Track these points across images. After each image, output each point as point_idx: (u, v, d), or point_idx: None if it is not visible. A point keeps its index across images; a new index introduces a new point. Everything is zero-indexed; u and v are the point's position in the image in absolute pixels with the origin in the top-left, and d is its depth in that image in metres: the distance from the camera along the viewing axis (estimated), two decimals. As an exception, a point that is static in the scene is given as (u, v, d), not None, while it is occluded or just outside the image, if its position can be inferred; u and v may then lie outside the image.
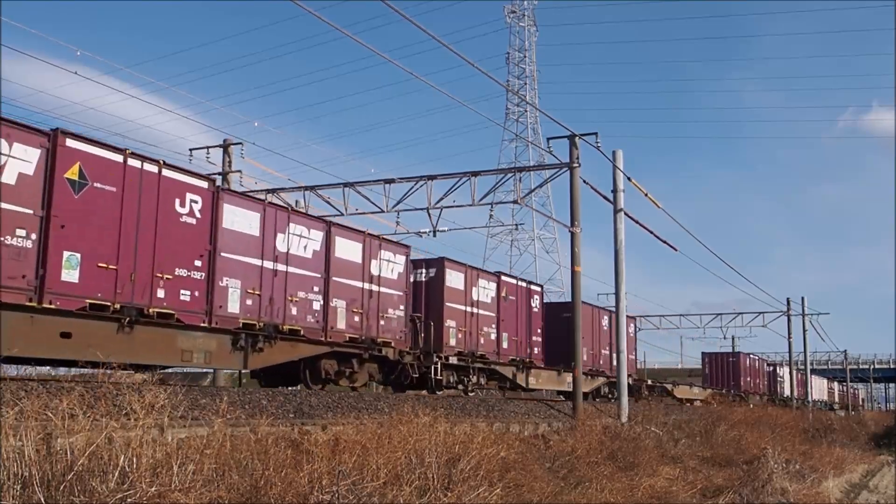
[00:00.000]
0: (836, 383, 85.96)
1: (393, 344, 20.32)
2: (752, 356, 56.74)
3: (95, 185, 13.04)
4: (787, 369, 64.93)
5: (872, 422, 57.97)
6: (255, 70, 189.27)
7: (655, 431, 21.43)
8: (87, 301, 12.74)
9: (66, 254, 12.49)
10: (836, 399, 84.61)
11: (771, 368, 62.53)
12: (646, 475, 14.67)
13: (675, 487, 14.60)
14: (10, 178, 11.83)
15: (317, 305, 17.89)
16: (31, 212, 12.10)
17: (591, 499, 12.15)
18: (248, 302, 15.95)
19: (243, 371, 19.99)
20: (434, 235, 26.80)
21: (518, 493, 10.77)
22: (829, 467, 22.53)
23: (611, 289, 28.55)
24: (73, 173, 12.71)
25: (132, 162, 13.66)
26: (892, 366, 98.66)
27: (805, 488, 17.17)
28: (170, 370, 17.50)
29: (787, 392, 63.41)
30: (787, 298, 56.20)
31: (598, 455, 15.42)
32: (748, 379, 54.05)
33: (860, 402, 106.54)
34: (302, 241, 17.66)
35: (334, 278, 18.44)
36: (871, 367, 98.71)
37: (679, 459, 18.63)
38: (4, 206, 11.66)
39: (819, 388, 73.67)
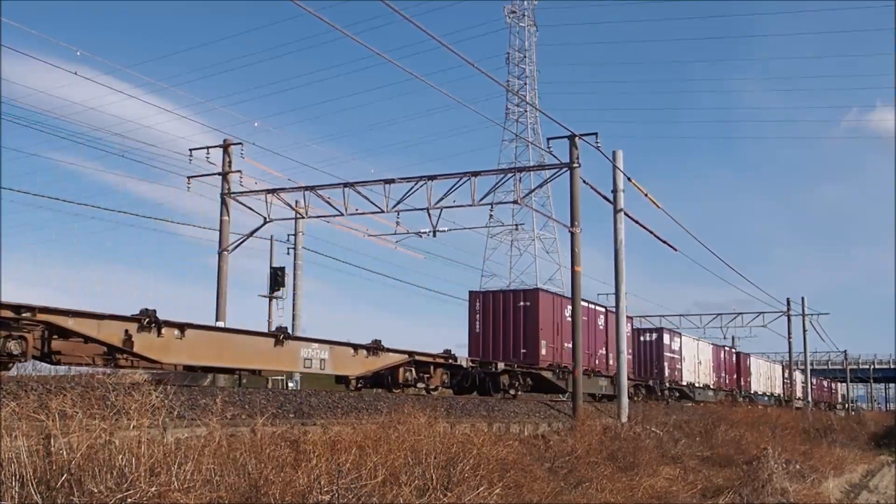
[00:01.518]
0: (798, 373, 67.30)
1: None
2: (582, 301, 30.55)
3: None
4: (685, 340, 44.09)
5: (872, 422, 57.94)
6: (255, 70, 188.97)
7: (655, 431, 21.44)
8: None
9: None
10: (798, 394, 65.39)
11: (652, 337, 41.00)
12: (646, 475, 14.67)
13: (675, 487, 14.60)
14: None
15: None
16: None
17: (591, 499, 12.15)
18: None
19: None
20: (434, 236, 26.84)
21: (518, 494, 10.76)
22: (829, 467, 22.55)
23: (611, 289, 28.52)
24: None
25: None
26: (892, 366, 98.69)
27: (805, 488, 17.17)
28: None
29: (687, 377, 43.46)
30: (788, 298, 56.24)
31: (598, 455, 15.42)
32: (556, 347, 27.99)
33: (838, 400, 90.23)
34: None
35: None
36: (871, 367, 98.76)
37: (679, 459, 18.64)
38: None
39: (764, 377, 58.79)
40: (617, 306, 24.74)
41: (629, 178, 24.76)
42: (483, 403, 21.15)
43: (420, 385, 21.50)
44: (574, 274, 23.27)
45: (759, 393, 56.13)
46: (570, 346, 25.94)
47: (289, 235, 34.55)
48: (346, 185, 26.71)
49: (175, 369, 15.76)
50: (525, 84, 78.44)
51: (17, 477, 6.60)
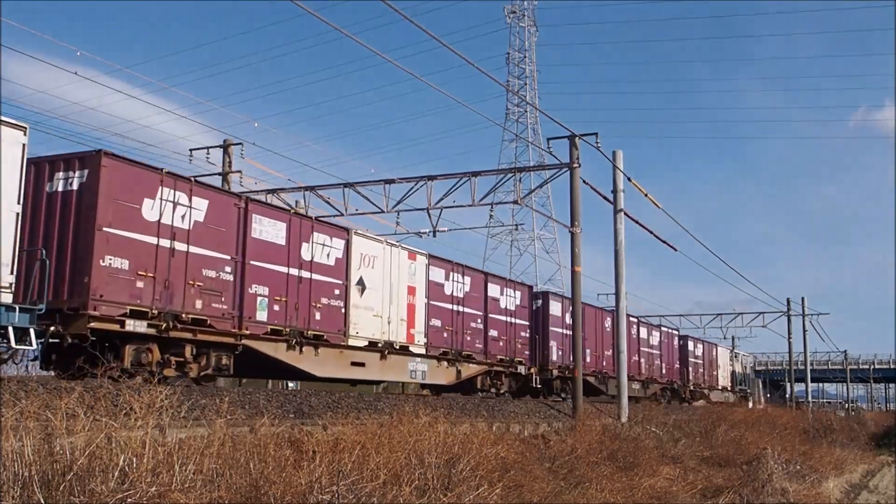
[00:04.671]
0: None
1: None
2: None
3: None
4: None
5: (872, 422, 57.93)
6: (255, 70, 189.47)
7: (655, 431, 21.44)
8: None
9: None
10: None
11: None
12: (646, 475, 14.65)
13: (675, 487, 14.59)
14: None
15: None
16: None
17: (590, 499, 12.14)
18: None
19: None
20: (434, 236, 26.85)
21: (518, 493, 10.76)
22: (829, 467, 22.53)
23: (611, 289, 28.50)
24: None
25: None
26: (892, 366, 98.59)
27: (805, 488, 17.16)
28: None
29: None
30: (787, 298, 56.26)
31: (598, 455, 15.42)
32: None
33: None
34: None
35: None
36: (871, 367, 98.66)
37: (679, 459, 18.63)
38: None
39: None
40: (617, 306, 24.76)
41: (629, 178, 24.80)
42: (483, 403, 21.15)
43: None
44: (574, 274, 23.29)
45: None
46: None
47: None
48: (346, 185, 26.74)
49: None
50: (525, 84, 78.47)
51: (19, 477, 6.61)
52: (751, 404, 53.93)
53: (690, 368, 45.93)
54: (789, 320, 55.91)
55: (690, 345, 46.67)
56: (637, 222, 26.46)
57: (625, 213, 24.52)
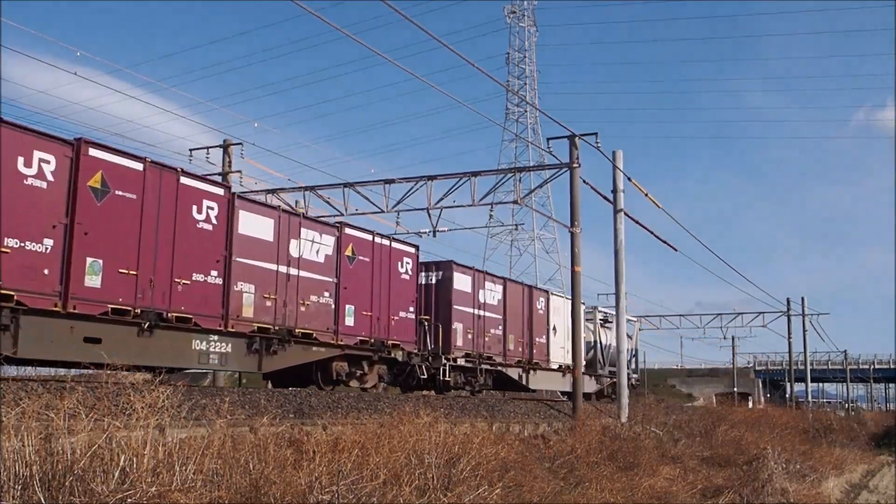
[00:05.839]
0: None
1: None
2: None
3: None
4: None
5: (872, 422, 57.92)
6: (255, 70, 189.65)
7: (655, 431, 21.44)
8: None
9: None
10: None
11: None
12: (646, 475, 14.66)
13: (675, 487, 14.59)
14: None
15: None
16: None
17: (590, 499, 12.15)
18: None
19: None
20: (434, 236, 26.85)
21: (518, 493, 10.77)
22: (829, 467, 22.54)
23: (611, 289, 28.48)
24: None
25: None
26: (892, 366, 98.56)
27: (805, 488, 17.17)
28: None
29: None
30: (787, 298, 56.23)
31: (598, 455, 15.43)
32: None
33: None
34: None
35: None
36: (871, 367, 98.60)
37: (679, 459, 18.63)
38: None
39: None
40: (617, 306, 24.77)
41: (629, 178, 24.81)
42: (483, 403, 21.13)
43: None
44: (574, 274, 23.28)
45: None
46: None
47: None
48: (346, 185, 26.75)
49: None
50: (525, 84, 78.60)
51: (20, 477, 6.62)
52: (751, 404, 53.77)
53: (460, 325, 23.34)
54: (789, 320, 55.92)
55: (462, 282, 23.73)
56: (637, 222, 26.49)
57: (625, 213, 24.53)
